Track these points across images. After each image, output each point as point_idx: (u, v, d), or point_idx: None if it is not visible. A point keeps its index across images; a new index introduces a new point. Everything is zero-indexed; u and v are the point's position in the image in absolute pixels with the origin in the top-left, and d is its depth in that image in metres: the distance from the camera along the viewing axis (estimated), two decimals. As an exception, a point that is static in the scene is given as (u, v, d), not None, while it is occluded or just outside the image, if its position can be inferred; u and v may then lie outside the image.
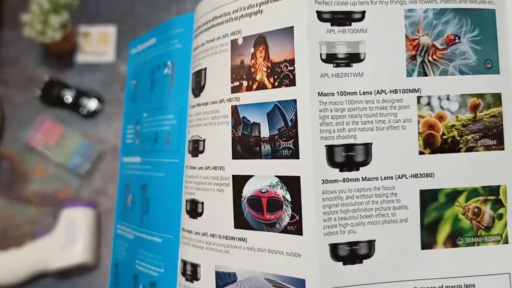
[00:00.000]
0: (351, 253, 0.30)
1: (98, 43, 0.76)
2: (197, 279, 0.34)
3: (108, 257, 0.68)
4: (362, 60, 0.31)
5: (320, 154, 0.30)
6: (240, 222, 0.32)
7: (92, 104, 0.73)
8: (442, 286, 0.31)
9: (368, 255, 0.31)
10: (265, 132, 0.32)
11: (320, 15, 0.31)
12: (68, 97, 0.73)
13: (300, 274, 0.30)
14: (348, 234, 0.30)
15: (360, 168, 0.31)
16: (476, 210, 0.31)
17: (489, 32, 0.31)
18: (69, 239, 0.64)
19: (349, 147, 0.30)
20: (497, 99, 0.31)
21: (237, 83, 0.33)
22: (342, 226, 0.30)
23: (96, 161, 0.71)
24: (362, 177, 0.31)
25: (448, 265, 0.31)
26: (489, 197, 0.31)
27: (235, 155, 0.33)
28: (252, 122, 0.32)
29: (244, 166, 0.32)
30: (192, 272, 0.34)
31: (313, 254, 0.30)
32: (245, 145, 0.32)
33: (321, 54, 0.31)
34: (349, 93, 0.31)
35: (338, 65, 0.31)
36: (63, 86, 0.73)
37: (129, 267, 0.39)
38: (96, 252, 0.67)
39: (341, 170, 0.30)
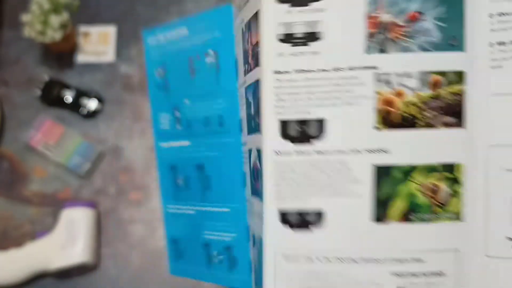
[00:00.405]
0: (300, 220, 0.32)
1: (98, 43, 0.76)
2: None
3: (108, 257, 0.68)
4: (320, 39, 0.32)
5: (274, 128, 0.32)
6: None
7: (92, 104, 0.73)
8: (389, 259, 0.31)
9: (317, 224, 0.32)
10: (253, 110, 0.35)
11: None
12: (68, 97, 0.73)
13: (261, 235, 0.34)
14: (298, 203, 0.32)
15: (313, 141, 0.32)
16: (432, 187, 0.31)
17: (456, 9, 0.31)
18: (69, 239, 0.64)
19: (302, 122, 0.32)
20: (460, 76, 0.31)
21: (244, 67, 0.37)
22: (293, 194, 0.32)
23: (96, 161, 0.71)
24: (316, 150, 0.32)
25: (399, 240, 0.31)
26: (446, 174, 0.31)
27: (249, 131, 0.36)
28: (250, 101, 0.36)
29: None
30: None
31: (268, 219, 0.33)
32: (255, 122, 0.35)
33: (279, 35, 0.32)
34: (305, 71, 0.32)
35: (295, 44, 0.32)
36: (63, 86, 0.73)
37: (195, 239, 0.43)
38: (96, 252, 0.67)
39: (293, 143, 0.32)
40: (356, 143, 0.31)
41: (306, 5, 0.32)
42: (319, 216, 0.32)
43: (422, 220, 0.31)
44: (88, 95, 0.73)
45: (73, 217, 0.65)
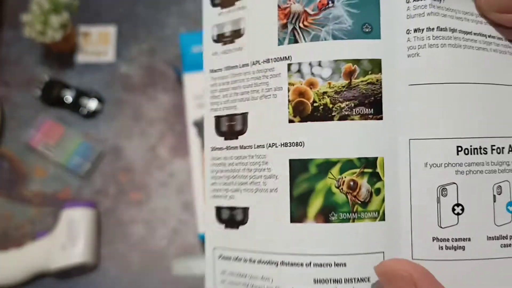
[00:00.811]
0: (230, 218, 0.31)
1: (98, 43, 0.76)
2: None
3: (108, 257, 0.68)
4: (242, 35, 0.32)
5: (210, 124, 0.33)
6: None
7: (92, 104, 0.73)
8: (310, 263, 0.29)
9: (243, 221, 0.31)
10: None
11: (212, 0, 0.33)
12: (68, 97, 0.73)
13: (202, 231, 0.33)
14: (229, 199, 0.32)
15: (239, 137, 0.32)
16: (351, 183, 0.29)
17: None
18: (69, 239, 0.64)
19: (230, 117, 0.32)
20: (376, 65, 0.29)
21: None
22: (225, 191, 0.32)
23: (96, 161, 0.71)
24: (240, 145, 0.31)
25: (318, 242, 0.29)
26: (366, 170, 0.29)
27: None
28: None
29: None
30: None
31: (207, 216, 0.32)
32: None
33: (213, 36, 0.33)
34: (232, 67, 0.32)
35: (225, 43, 0.33)
36: (63, 86, 0.73)
37: None
38: (96, 252, 0.67)
39: (225, 139, 0.32)
40: (273, 137, 0.30)
41: (233, 4, 0.32)
42: (245, 213, 0.31)
43: (343, 220, 0.29)
44: (88, 95, 0.73)
45: (73, 217, 0.65)
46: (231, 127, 0.32)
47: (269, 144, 0.30)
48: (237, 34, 0.32)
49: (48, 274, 0.65)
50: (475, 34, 0.30)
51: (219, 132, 0.33)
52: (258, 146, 0.31)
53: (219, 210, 0.32)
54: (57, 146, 0.71)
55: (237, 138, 0.32)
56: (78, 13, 0.72)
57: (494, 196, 0.29)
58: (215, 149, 0.33)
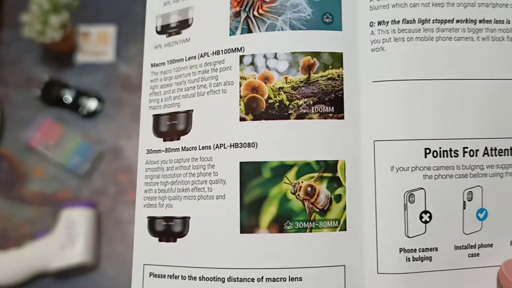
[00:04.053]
0: (166, 229, 0.28)
1: (97, 43, 0.76)
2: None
3: (108, 257, 0.68)
4: (190, 25, 0.29)
5: (147, 124, 0.30)
6: None
7: (92, 104, 0.73)
8: (262, 278, 0.26)
9: (182, 233, 0.27)
10: None
11: None
12: (68, 97, 0.73)
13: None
14: (166, 208, 0.28)
15: (181, 137, 0.28)
16: (309, 189, 0.26)
17: None
18: (69, 239, 0.64)
19: (171, 116, 0.29)
20: (337, 59, 0.27)
21: None
22: (161, 199, 0.28)
23: (96, 161, 0.71)
24: (182, 147, 0.28)
25: (271, 254, 0.26)
26: (325, 174, 0.26)
27: None
28: None
29: None
30: None
31: (137, 228, 0.29)
32: None
33: (156, 27, 0.31)
34: (177, 60, 0.30)
35: (170, 35, 0.30)
36: (62, 86, 0.73)
37: None
38: (96, 252, 0.67)
39: (164, 140, 0.29)
40: (221, 137, 0.27)
41: None
42: (184, 224, 0.28)
43: (299, 229, 0.26)
44: (88, 95, 0.73)
45: (73, 217, 0.65)
46: (172, 126, 0.29)
47: (217, 145, 0.27)
48: (184, 24, 0.30)
49: (48, 274, 0.65)
50: (459, 21, 0.27)
51: (158, 132, 0.30)
52: (204, 148, 0.28)
53: (152, 221, 0.28)
54: (56, 146, 0.71)
55: (179, 139, 0.29)
56: (77, 13, 0.72)
57: (464, 202, 0.27)
58: (151, 151, 0.29)
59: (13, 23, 0.73)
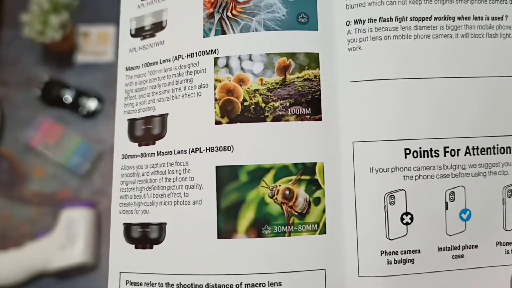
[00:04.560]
0: (142, 236, 0.27)
1: (97, 43, 0.76)
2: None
3: (107, 257, 0.68)
4: (164, 27, 0.29)
5: (122, 129, 0.30)
6: None
7: (92, 104, 0.73)
8: (240, 284, 0.25)
9: (159, 240, 0.27)
10: None
11: None
12: (68, 97, 0.73)
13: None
14: (142, 214, 0.28)
15: (157, 142, 0.28)
16: (287, 192, 0.26)
17: None
18: (68, 239, 0.64)
19: (146, 120, 0.29)
20: (313, 59, 0.26)
21: None
22: (137, 205, 0.28)
23: (96, 161, 0.71)
24: (158, 152, 0.28)
25: (250, 259, 0.26)
26: (303, 177, 0.26)
27: None
28: None
29: None
30: None
31: (112, 235, 0.28)
32: None
33: (130, 30, 0.31)
34: (151, 63, 0.29)
35: (144, 38, 0.30)
36: (62, 86, 0.73)
37: None
38: (96, 252, 0.67)
39: (139, 145, 0.29)
40: (197, 141, 0.27)
41: None
42: (161, 230, 0.27)
43: (277, 234, 0.26)
44: (88, 95, 0.73)
45: (73, 217, 0.65)
46: (147, 131, 0.29)
47: (192, 149, 0.27)
48: (158, 27, 0.29)
49: (48, 274, 0.65)
50: (437, 18, 0.26)
51: (133, 137, 0.29)
52: (179, 152, 0.27)
53: (128, 227, 0.28)
54: (56, 146, 0.71)
55: (154, 143, 0.28)
56: (77, 13, 0.72)
57: (447, 203, 0.26)
58: (126, 157, 0.29)
59: (13, 23, 0.73)
